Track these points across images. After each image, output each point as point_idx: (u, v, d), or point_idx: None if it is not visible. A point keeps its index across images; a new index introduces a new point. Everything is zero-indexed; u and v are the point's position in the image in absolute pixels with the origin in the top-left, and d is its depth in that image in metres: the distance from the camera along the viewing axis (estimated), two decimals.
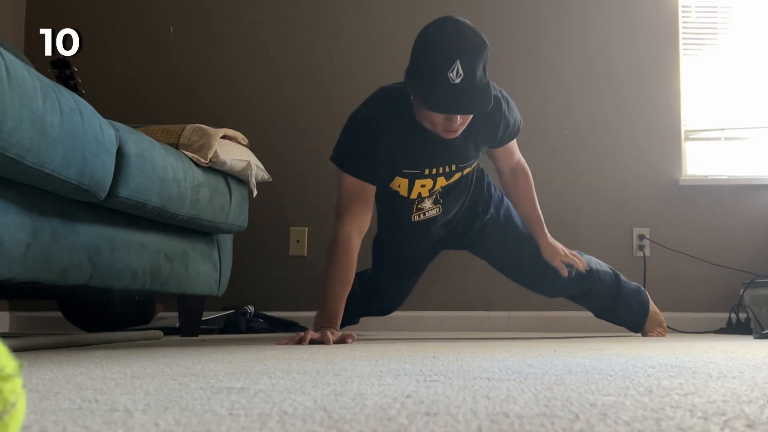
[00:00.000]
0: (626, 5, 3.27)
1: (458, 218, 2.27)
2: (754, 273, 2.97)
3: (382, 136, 1.92)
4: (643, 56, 3.24)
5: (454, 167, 2.05)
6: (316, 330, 1.80)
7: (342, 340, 1.78)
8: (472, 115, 1.88)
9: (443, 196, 2.14)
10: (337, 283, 1.87)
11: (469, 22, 1.83)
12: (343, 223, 1.91)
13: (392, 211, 2.16)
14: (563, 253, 2.23)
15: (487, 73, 1.83)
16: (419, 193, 2.08)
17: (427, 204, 2.13)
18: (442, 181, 2.08)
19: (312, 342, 1.73)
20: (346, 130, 1.98)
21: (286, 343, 1.74)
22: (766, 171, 3.20)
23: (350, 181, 1.93)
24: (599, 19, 3.27)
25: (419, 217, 2.14)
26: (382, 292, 2.40)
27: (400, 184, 2.05)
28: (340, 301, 1.87)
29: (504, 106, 2.04)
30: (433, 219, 2.17)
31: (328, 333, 1.76)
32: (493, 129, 2.04)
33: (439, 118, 1.84)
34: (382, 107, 1.97)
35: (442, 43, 1.77)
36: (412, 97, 1.89)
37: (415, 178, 2.05)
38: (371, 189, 1.96)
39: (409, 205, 2.11)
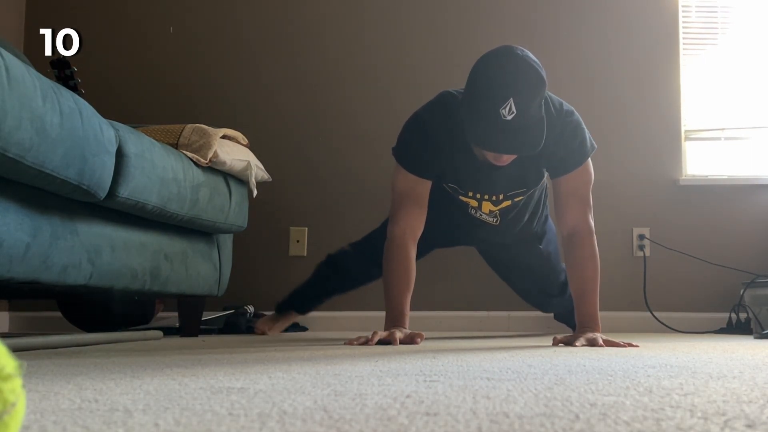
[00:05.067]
0: (626, 5, 3.27)
1: (511, 238, 2.25)
2: (754, 273, 2.97)
3: (433, 142, 1.91)
4: (643, 56, 3.24)
5: (501, 196, 2.01)
6: (385, 330, 1.80)
7: (410, 340, 1.75)
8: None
9: (502, 215, 2.09)
10: (396, 284, 1.86)
11: (529, 54, 1.73)
12: (394, 223, 1.91)
13: (449, 197, 2.07)
14: (601, 342, 1.73)
15: (542, 109, 1.75)
16: (468, 204, 2.06)
17: (485, 215, 2.09)
18: (488, 206, 2.03)
19: (380, 342, 1.72)
20: (405, 126, 1.97)
21: (353, 343, 1.73)
22: (766, 171, 3.20)
23: (404, 177, 1.92)
24: (599, 19, 3.27)
25: (475, 214, 2.09)
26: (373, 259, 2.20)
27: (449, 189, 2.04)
28: (403, 301, 1.85)
29: (572, 127, 1.90)
30: (487, 224, 2.13)
31: (396, 333, 1.74)
32: (560, 150, 1.89)
33: (488, 153, 1.79)
34: (437, 114, 1.91)
35: (497, 78, 1.69)
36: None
37: (458, 194, 2.03)
38: (424, 187, 1.93)
39: (464, 204, 2.07)
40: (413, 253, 1.90)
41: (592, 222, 1.98)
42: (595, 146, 2.00)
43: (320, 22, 3.29)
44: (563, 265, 2.44)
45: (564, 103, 1.92)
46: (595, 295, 1.90)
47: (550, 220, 2.39)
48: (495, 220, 2.11)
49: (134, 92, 3.25)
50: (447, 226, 2.20)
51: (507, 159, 1.80)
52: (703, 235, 3.15)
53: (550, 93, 1.92)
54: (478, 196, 2.01)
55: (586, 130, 1.96)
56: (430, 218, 2.15)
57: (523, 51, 1.73)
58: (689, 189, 3.17)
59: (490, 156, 1.80)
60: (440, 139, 1.91)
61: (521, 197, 2.05)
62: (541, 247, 2.33)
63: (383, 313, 1.89)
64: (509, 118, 1.66)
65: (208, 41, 3.28)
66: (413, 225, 1.91)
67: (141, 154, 1.79)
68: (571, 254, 1.94)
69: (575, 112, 1.93)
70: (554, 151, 1.89)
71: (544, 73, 1.72)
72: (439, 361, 1.19)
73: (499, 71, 1.69)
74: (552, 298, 2.49)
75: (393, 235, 1.89)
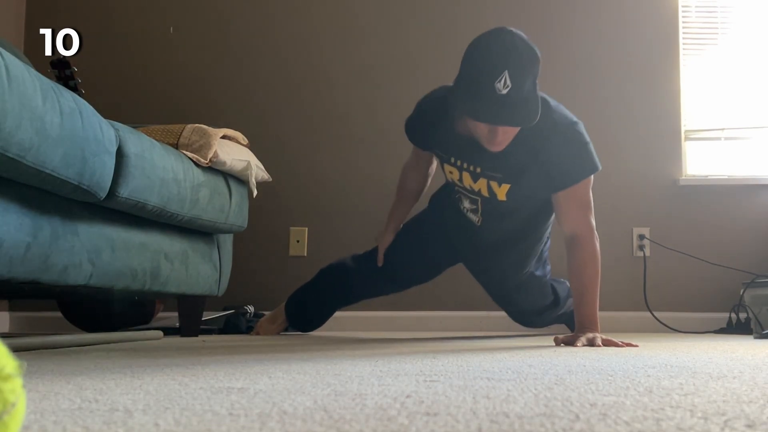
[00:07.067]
0: (626, 5, 3.27)
1: (503, 263, 2.28)
2: (754, 273, 2.97)
3: (426, 128, 2.12)
4: (643, 56, 3.24)
5: (479, 170, 2.02)
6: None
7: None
8: (517, 130, 1.83)
9: (484, 214, 2.14)
10: (397, 201, 2.42)
11: (522, 34, 1.78)
12: (406, 162, 2.40)
13: (448, 187, 2.26)
14: (599, 342, 1.80)
15: (538, 87, 1.78)
16: (453, 182, 2.13)
17: (467, 204, 2.16)
18: (467, 178, 2.07)
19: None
20: (413, 112, 2.21)
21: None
22: (766, 171, 3.20)
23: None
24: (599, 19, 3.27)
25: (462, 207, 2.19)
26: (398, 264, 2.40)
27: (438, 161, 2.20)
28: (395, 209, 2.41)
29: (579, 143, 1.91)
30: (472, 224, 2.20)
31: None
32: (565, 162, 1.91)
33: (482, 129, 1.82)
34: (434, 103, 2.09)
35: (490, 53, 1.73)
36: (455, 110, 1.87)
37: (443, 162, 2.13)
38: (423, 152, 2.27)
39: (453, 188, 2.18)
40: (411, 179, 2.39)
41: (593, 222, 1.99)
42: (600, 167, 1.97)
43: (320, 22, 3.29)
44: (554, 286, 2.43)
45: (578, 122, 1.94)
46: (594, 296, 1.92)
47: (547, 255, 2.42)
48: (478, 219, 2.16)
49: (134, 92, 3.25)
50: (441, 233, 2.36)
51: (501, 140, 1.83)
52: (703, 235, 3.15)
53: (564, 108, 1.96)
54: (459, 163, 2.06)
55: (594, 151, 1.96)
56: (426, 232, 2.38)
57: (515, 30, 1.78)
58: (689, 189, 3.17)
59: (485, 137, 1.83)
60: (435, 125, 2.07)
61: (497, 186, 2.02)
62: (537, 284, 2.36)
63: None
64: (504, 92, 1.70)
65: (208, 41, 3.29)
66: (418, 166, 2.36)
67: (141, 154, 1.79)
68: (572, 255, 1.95)
69: (585, 133, 1.95)
70: (557, 162, 1.90)
71: (538, 51, 1.76)
72: (439, 361, 1.19)
73: (493, 46, 1.74)
74: (540, 319, 2.50)
75: (402, 169, 2.43)
